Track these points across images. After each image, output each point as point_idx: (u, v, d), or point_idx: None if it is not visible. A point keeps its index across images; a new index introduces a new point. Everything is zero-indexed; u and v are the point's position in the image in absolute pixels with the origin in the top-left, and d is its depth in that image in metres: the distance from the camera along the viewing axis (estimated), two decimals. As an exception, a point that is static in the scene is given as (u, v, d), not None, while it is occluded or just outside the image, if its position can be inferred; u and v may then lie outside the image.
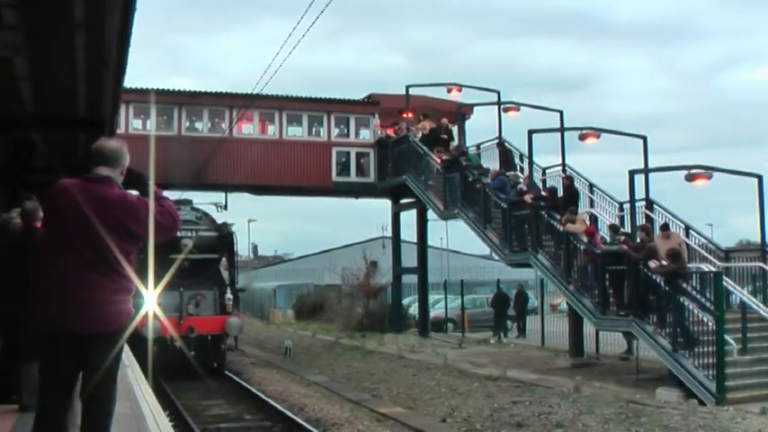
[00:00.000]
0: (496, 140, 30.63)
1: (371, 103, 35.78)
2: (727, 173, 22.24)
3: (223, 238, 26.95)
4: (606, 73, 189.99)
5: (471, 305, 42.14)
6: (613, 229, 22.73)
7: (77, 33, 9.92)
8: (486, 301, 41.50)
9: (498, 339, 34.54)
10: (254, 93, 23.74)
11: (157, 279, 18.69)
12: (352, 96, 36.51)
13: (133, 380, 11.87)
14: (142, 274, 18.08)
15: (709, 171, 21.55)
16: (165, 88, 32.49)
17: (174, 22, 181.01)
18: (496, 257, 32.30)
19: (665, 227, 22.09)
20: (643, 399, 18.57)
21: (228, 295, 25.97)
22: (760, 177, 22.13)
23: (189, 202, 27.09)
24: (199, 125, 33.24)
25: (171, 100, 32.17)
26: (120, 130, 24.72)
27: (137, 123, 32.46)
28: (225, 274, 27.77)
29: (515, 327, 36.88)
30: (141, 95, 30.73)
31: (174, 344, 23.61)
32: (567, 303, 25.31)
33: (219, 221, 27.84)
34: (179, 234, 23.61)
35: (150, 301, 19.62)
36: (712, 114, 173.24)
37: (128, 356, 15.29)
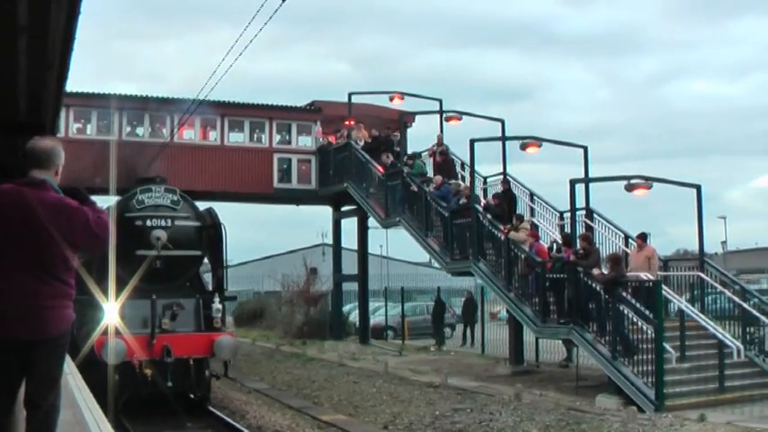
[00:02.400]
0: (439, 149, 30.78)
1: (314, 110, 35.72)
2: (667, 183, 22.51)
3: (207, 230, 20.74)
4: (551, 83, 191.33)
5: (411, 313, 42.23)
6: (566, 239, 22.73)
7: (20, 37, 9.81)
8: (426, 308, 41.68)
9: (438, 347, 34.63)
10: (197, 98, 23.02)
11: (120, 284, 16.72)
12: (297, 103, 36.46)
13: (74, 387, 11.72)
14: (100, 278, 15.90)
15: (648, 181, 21.81)
16: (106, 92, 32.24)
17: (120, 27, 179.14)
18: (436, 265, 32.42)
19: (641, 237, 22.15)
20: (583, 406, 18.76)
21: (216, 305, 19.69)
22: (698, 187, 22.46)
23: (163, 181, 20.93)
24: (140, 130, 32.97)
25: (111, 105, 31.83)
26: (60, 133, 24.34)
27: (77, 128, 32.08)
28: (207, 277, 22.16)
29: (461, 334, 36.96)
30: (81, 99, 30.48)
31: (143, 371, 17.95)
32: (508, 311, 25.47)
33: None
34: (149, 223, 19.46)
35: (111, 313, 17.00)
36: (653, 125, 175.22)
37: (68, 363, 15.10)
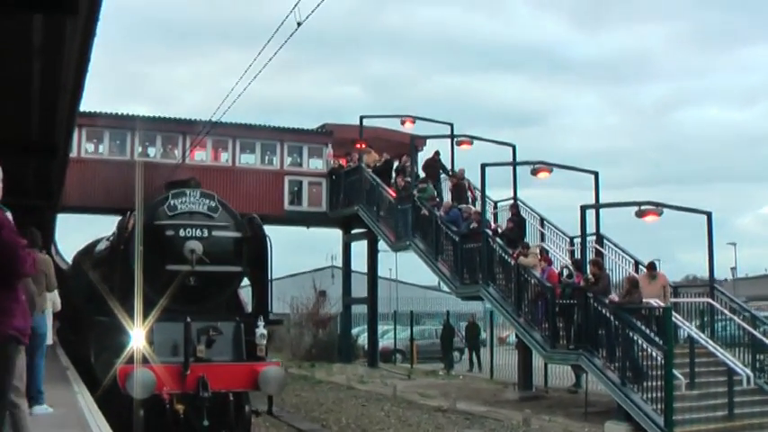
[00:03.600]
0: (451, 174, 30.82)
1: (325, 133, 35.85)
2: (678, 209, 22.48)
3: (249, 242, 17.38)
4: (561, 109, 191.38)
5: (420, 336, 42.23)
6: (577, 265, 22.75)
7: (35, 59, 9.89)
8: (435, 332, 41.71)
9: (447, 371, 34.61)
10: (208, 120, 22.89)
11: (147, 304, 14.85)
12: (308, 126, 36.63)
13: (84, 406, 11.74)
14: (124, 297, 14.65)
15: (659, 207, 21.79)
16: (119, 113, 32.47)
17: (133, 49, 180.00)
18: (445, 288, 32.40)
19: (651, 266, 22.12)
20: (592, 432, 18.70)
21: (261, 330, 16.35)
22: (709, 214, 22.41)
23: (198, 185, 17.56)
24: (151, 151, 33.12)
25: (124, 125, 32.07)
26: (73, 153, 24.45)
27: (89, 147, 32.27)
28: (243, 297, 18.97)
29: (467, 359, 37.01)
30: (94, 119, 30.68)
31: (174, 408, 14.84)
32: (517, 336, 25.42)
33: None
34: (182, 233, 16.34)
35: (137, 338, 14.68)
36: (662, 151, 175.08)
37: (77, 383, 15.11)
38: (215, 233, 16.59)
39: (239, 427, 15.85)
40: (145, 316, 14.69)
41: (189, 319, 15.27)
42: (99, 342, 16.76)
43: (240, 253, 17.13)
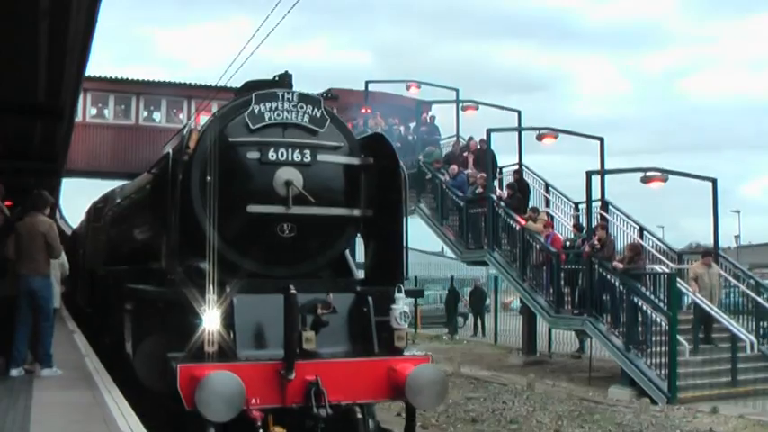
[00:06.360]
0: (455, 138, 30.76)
1: (330, 98, 35.67)
2: (683, 176, 22.45)
3: (371, 172, 11.33)
4: (569, 76, 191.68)
5: (423, 302, 42.28)
6: (578, 228, 22.79)
7: (41, 21, 9.87)
8: (439, 297, 41.73)
9: (451, 336, 34.70)
10: (214, 85, 22.66)
11: (222, 266, 9.85)
12: (317, 92, 36.47)
13: (92, 369, 11.80)
14: (185, 255, 10.49)
15: (664, 174, 21.78)
16: (124, 77, 32.35)
17: (143, 12, 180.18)
18: (449, 254, 32.37)
19: (707, 254, 21.69)
20: (596, 396, 18.77)
21: (401, 306, 10.39)
22: (714, 181, 22.36)
23: (291, 85, 11.16)
24: (156, 115, 33.02)
25: (129, 89, 31.98)
26: (78, 118, 24.43)
27: (93, 111, 32.22)
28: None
29: (472, 324, 37.11)
30: (99, 83, 30.59)
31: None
32: (522, 301, 25.46)
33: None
34: (271, 157, 10.55)
35: (211, 320, 9.39)
36: (670, 119, 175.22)
37: (84, 346, 15.18)
38: (321, 157, 10.90)
39: None
40: (221, 287, 9.65)
41: (292, 289, 9.63)
42: (140, 322, 10.84)
43: (357, 188, 11.33)
